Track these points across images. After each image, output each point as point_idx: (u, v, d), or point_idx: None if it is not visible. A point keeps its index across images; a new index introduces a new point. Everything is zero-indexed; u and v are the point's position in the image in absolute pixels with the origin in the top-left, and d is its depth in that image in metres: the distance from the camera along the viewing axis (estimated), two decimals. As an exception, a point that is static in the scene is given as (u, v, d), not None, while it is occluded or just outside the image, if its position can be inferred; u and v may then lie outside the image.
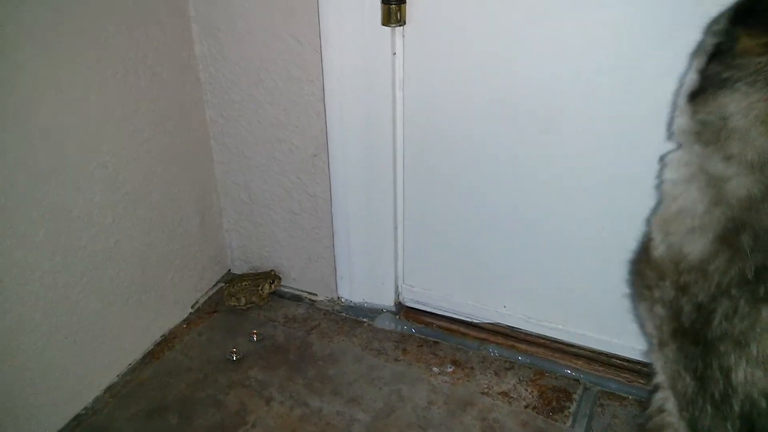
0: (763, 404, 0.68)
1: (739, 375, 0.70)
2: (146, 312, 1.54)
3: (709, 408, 0.74)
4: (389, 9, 1.21)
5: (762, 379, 0.68)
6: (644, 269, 0.84)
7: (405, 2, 1.21)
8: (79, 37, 1.21)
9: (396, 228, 1.52)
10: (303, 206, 1.58)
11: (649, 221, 0.90)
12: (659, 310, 0.80)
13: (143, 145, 1.41)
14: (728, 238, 0.71)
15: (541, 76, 1.21)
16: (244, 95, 1.49)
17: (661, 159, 0.86)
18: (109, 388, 1.44)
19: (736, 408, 0.71)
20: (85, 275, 1.35)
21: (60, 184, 1.24)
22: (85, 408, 1.40)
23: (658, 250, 0.80)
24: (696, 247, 0.74)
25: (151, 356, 1.53)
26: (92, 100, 1.27)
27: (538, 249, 1.41)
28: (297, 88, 1.42)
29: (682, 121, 0.78)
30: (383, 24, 1.23)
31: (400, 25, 1.24)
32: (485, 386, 1.43)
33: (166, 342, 1.57)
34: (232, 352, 1.52)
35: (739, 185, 0.71)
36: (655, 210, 0.90)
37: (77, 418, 1.38)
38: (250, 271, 1.74)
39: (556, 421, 1.33)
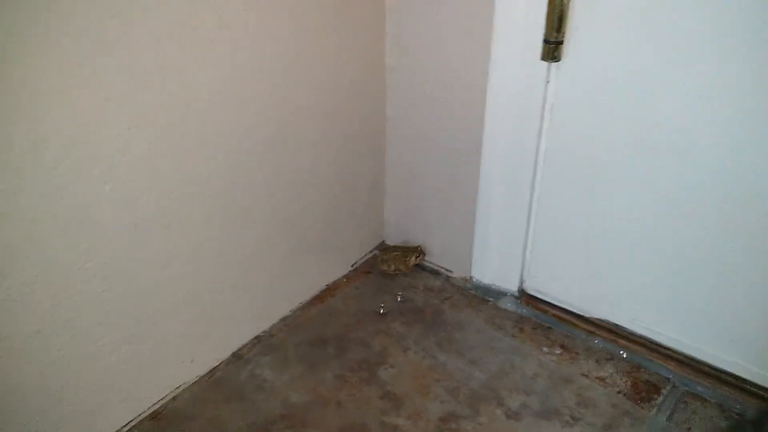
0: None
1: None
2: (317, 265, 1.89)
3: None
4: (549, 48, 1.47)
5: None
6: None
7: (562, 43, 1.47)
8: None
9: (528, 227, 1.76)
10: (452, 197, 1.86)
11: None
12: None
13: (338, 132, 1.77)
14: None
15: (674, 114, 1.40)
16: (419, 95, 1.80)
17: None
18: (283, 319, 1.81)
19: None
20: (279, 234, 1.70)
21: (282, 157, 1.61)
22: (264, 331, 1.77)
23: None
24: None
25: (317, 300, 1.89)
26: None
27: (656, 266, 1.59)
28: (465, 96, 1.69)
29: None
30: (542, 59, 1.49)
31: (555, 61, 1.50)
32: (586, 370, 1.65)
33: (329, 290, 1.93)
34: (381, 306, 1.85)
35: None
36: None
37: (258, 338, 1.75)
38: (401, 244, 2.05)
39: (642, 408, 1.54)
